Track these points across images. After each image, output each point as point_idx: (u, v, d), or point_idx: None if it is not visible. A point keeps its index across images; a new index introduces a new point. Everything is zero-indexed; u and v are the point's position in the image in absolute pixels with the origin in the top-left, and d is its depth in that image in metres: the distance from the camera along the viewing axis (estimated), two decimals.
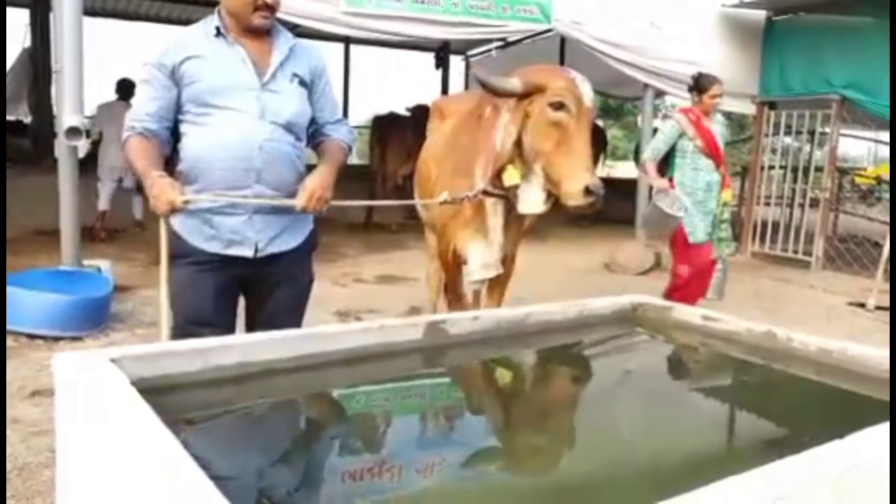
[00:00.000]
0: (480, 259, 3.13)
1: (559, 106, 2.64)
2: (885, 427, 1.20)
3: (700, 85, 4.74)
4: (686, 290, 4.65)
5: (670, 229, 4.66)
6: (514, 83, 2.70)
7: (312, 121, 2.34)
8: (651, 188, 4.96)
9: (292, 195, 2.20)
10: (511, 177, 2.77)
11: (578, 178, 2.60)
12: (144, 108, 2.19)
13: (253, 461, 1.33)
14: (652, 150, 4.83)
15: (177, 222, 2.17)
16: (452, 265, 3.35)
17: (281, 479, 1.28)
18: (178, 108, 2.19)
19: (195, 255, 2.19)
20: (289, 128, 2.21)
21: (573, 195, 2.61)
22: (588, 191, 2.58)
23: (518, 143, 2.75)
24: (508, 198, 2.90)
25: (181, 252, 2.19)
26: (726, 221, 4.91)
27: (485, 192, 2.92)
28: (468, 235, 3.13)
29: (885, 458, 1.14)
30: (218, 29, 2.18)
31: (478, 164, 2.97)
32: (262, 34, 2.22)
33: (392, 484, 1.25)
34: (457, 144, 3.23)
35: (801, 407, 1.74)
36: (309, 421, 1.65)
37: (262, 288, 2.31)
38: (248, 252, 2.21)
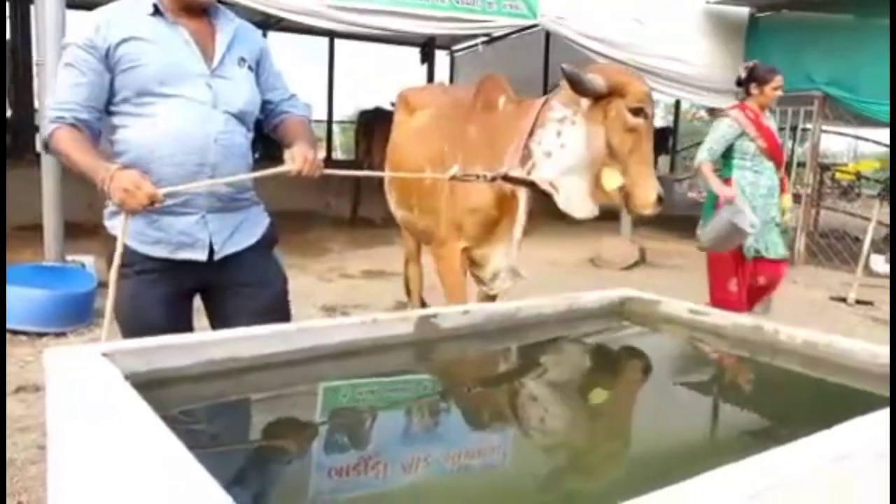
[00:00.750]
0: (504, 258, 3.03)
1: (638, 111, 2.59)
2: (872, 417, 1.22)
3: (759, 76, 4.25)
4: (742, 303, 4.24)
5: (737, 244, 4.17)
6: (601, 82, 2.59)
7: (265, 102, 2.14)
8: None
9: (244, 188, 2.06)
10: (614, 178, 2.61)
11: (653, 186, 2.59)
12: (73, 96, 1.89)
13: (247, 456, 1.33)
14: (708, 152, 4.29)
15: (114, 224, 1.90)
16: (460, 267, 3.12)
17: (276, 473, 1.28)
18: (110, 97, 1.92)
19: (139, 263, 1.94)
20: (241, 118, 2.02)
21: (649, 204, 2.60)
22: (659, 199, 2.59)
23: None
24: (537, 187, 2.76)
25: (122, 260, 1.88)
26: (786, 232, 4.49)
27: (505, 178, 2.76)
28: (494, 233, 2.99)
29: (874, 448, 1.16)
30: (155, 7, 1.92)
31: (506, 156, 2.84)
32: (201, 13, 1.99)
33: (387, 478, 1.26)
34: (464, 137, 3.06)
35: (788, 399, 1.76)
36: (303, 415, 1.64)
37: (226, 296, 2.08)
38: (200, 256, 1.98)
